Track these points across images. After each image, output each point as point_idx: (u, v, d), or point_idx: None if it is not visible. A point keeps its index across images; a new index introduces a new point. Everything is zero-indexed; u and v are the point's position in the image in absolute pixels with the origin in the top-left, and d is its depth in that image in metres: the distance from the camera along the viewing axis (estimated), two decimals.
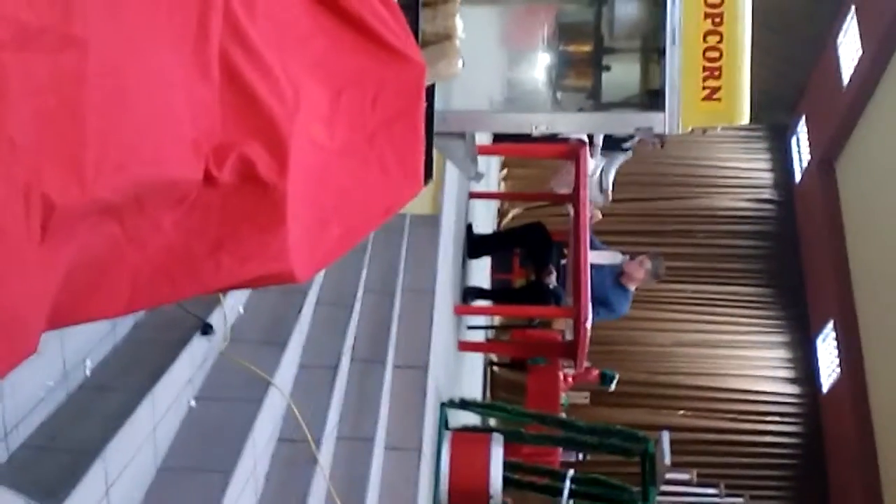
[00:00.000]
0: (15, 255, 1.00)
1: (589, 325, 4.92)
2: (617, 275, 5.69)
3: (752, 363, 10.26)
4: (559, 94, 3.29)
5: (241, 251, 1.41)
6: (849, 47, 9.82)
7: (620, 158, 6.10)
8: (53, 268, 1.10)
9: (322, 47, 1.63)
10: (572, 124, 3.26)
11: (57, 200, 1.03)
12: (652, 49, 3.09)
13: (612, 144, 5.89)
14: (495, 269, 7.34)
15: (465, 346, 5.80)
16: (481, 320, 6.95)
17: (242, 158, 1.39)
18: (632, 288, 5.78)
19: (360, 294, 3.62)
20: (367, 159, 1.77)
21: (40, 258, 1.05)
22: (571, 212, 5.54)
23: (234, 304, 2.80)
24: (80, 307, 1.23)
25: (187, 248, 1.33)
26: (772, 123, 11.16)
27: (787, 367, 10.34)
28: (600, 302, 5.36)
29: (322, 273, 3.31)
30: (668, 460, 4.67)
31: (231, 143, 1.38)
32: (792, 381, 10.28)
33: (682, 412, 9.84)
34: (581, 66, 3.27)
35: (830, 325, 9.93)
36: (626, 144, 5.93)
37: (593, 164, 5.78)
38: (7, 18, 0.96)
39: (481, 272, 6.87)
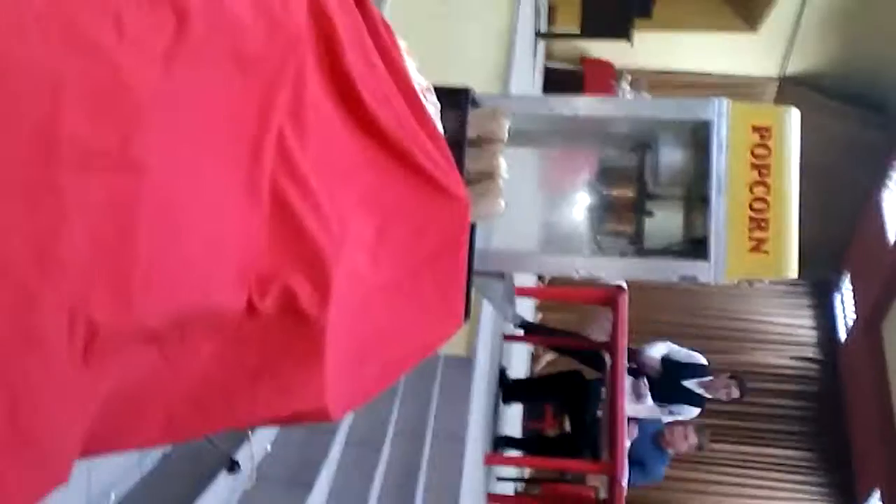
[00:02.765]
0: (55, 376, 0.96)
1: (625, 482, 4.69)
2: (656, 434, 5.38)
3: None
4: (600, 238, 3.28)
5: (278, 385, 1.36)
6: (893, 205, 9.82)
7: (692, 413, 5.53)
8: (92, 393, 1.05)
9: (370, 180, 1.63)
10: (613, 269, 3.21)
11: (102, 324, 1.00)
12: (696, 197, 3.08)
13: (686, 398, 5.44)
14: (527, 416, 7.14)
15: (493, 499, 5.55)
16: (511, 471, 6.70)
17: (285, 289, 1.36)
18: (670, 452, 5.43)
19: (389, 436, 3.50)
20: (408, 294, 1.74)
21: (80, 382, 1.00)
22: (608, 360, 5.41)
23: (261, 441, 2.72)
24: (115, 435, 1.18)
25: (224, 378, 1.28)
26: (814, 279, 11.06)
27: None
28: (635, 461, 5.10)
29: (351, 412, 3.22)
30: None
31: (275, 273, 1.35)
32: None
33: None
34: (623, 211, 3.27)
35: (877, 495, 9.40)
36: (698, 384, 5.41)
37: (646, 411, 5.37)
38: (73, 139, 0.96)
39: (513, 419, 6.69)
